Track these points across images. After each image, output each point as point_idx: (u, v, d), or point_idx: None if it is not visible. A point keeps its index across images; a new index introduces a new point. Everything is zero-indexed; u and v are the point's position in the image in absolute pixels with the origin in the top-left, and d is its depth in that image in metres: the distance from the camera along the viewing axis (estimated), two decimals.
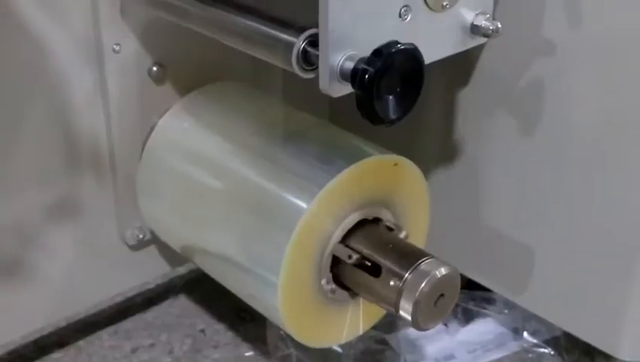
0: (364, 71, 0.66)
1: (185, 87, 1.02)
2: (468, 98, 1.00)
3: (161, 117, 1.00)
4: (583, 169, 0.92)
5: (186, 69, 1.01)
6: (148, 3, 0.91)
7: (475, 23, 0.80)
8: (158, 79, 1.00)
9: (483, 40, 0.81)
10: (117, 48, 0.96)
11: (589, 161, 0.91)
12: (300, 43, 0.73)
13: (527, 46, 0.91)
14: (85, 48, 0.96)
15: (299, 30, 0.74)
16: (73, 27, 0.95)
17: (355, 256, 0.82)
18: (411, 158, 0.89)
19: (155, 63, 1.00)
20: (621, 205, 0.89)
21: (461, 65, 0.97)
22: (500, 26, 0.80)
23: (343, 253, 0.83)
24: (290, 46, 0.73)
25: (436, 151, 1.06)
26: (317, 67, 0.72)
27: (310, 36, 0.73)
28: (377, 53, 0.66)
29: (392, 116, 0.68)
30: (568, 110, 0.91)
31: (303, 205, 0.82)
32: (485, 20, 0.80)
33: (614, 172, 0.89)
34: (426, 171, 0.98)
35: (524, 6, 0.89)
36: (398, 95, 0.68)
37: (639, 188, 0.88)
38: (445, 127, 1.03)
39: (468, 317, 1.15)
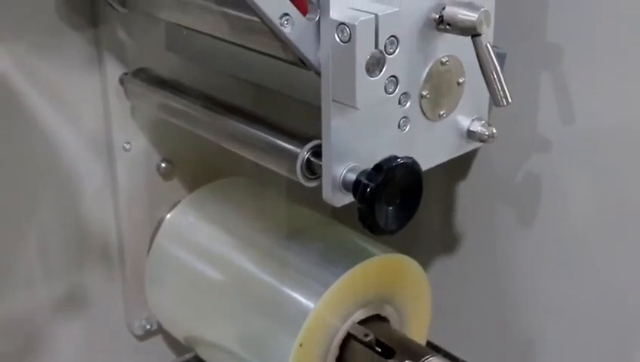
0: (366, 185, 0.69)
1: (192, 183, 1.05)
2: (467, 193, 1.03)
3: (168, 212, 1.03)
4: (581, 259, 0.94)
5: (193, 166, 1.05)
6: (157, 106, 0.95)
7: (471, 129, 0.83)
8: (166, 175, 1.04)
9: (479, 145, 0.84)
10: (127, 146, 1.00)
11: (586, 251, 0.94)
12: (304, 153, 0.76)
13: (523, 143, 0.95)
14: (96, 146, 1.00)
15: (303, 141, 0.77)
16: (85, 126, 0.99)
17: (371, 336, 0.84)
18: (412, 252, 0.92)
19: (164, 160, 1.03)
20: (620, 294, 0.92)
21: (459, 161, 1.00)
22: (495, 131, 0.83)
23: (359, 331, 0.85)
24: (294, 156, 0.76)
25: (436, 244, 1.08)
26: (320, 176, 0.75)
27: (314, 147, 0.76)
28: (378, 168, 0.70)
29: (393, 227, 0.71)
30: (564, 203, 0.94)
31: (310, 304, 0.84)
32: (481, 126, 0.83)
33: (612, 262, 0.91)
34: (427, 264, 1.00)
35: (519, 106, 0.92)
36: (398, 206, 0.71)
37: (636, 278, 0.90)
38: (445, 221, 1.06)
39: None
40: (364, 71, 0.66)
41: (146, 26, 0.96)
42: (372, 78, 0.67)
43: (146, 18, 0.93)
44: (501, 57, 0.87)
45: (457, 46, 0.77)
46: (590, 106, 0.88)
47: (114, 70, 0.97)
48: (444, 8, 0.74)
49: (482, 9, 0.72)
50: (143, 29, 0.96)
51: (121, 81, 0.97)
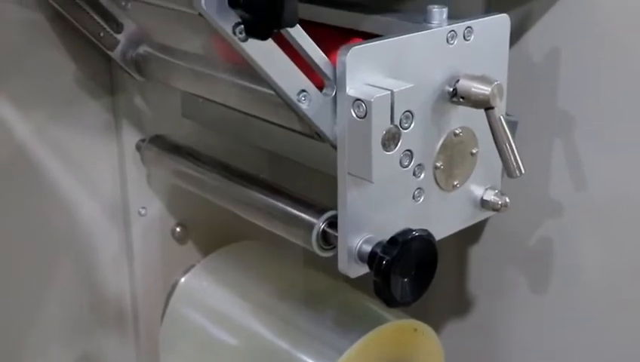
0: (382, 258, 0.70)
1: (206, 247, 1.06)
2: (479, 256, 1.04)
3: (183, 276, 1.03)
4: (594, 323, 0.94)
5: (208, 230, 1.06)
6: (173, 173, 0.96)
7: (484, 198, 0.84)
8: (181, 239, 1.05)
9: (492, 213, 0.85)
10: (142, 211, 1.01)
11: (599, 316, 0.94)
12: (319, 224, 0.77)
13: (535, 208, 0.95)
14: (112, 211, 1.01)
15: (318, 211, 0.78)
16: (101, 191, 1.00)
17: None
18: (425, 315, 0.92)
19: (178, 224, 1.04)
20: (634, 358, 0.91)
21: (472, 225, 1.01)
22: (508, 201, 0.84)
23: None
24: (310, 226, 0.77)
25: (449, 307, 1.08)
26: (335, 246, 0.75)
27: (329, 218, 0.77)
28: (393, 241, 0.70)
29: (408, 299, 0.72)
30: (576, 266, 0.94)
31: None
32: (494, 196, 0.84)
33: (625, 326, 0.91)
34: (440, 327, 1.01)
35: (531, 172, 0.93)
36: (413, 278, 0.72)
37: None
38: (458, 284, 1.06)
39: None
40: (380, 146, 0.68)
41: (163, 94, 0.98)
42: (388, 153, 0.69)
43: (162, 86, 0.95)
44: (513, 125, 0.88)
45: (470, 117, 0.78)
46: (601, 173, 0.89)
47: (131, 137, 0.98)
48: (457, 81, 0.75)
49: (495, 83, 0.73)
50: (159, 97, 0.98)
51: (138, 148, 0.99)
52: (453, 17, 0.76)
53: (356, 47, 0.68)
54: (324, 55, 0.68)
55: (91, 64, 0.95)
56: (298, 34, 0.65)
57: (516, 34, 0.92)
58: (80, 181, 0.98)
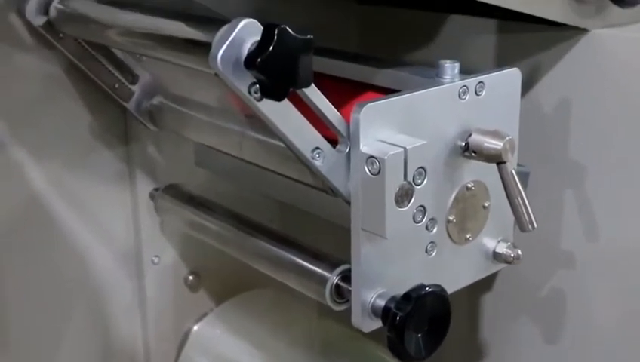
0: (395, 314, 0.70)
1: (219, 294, 1.06)
2: (491, 306, 1.03)
3: (196, 323, 1.04)
4: None
5: (221, 278, 1.06)
6: (186, 223, 0.96)
7: (497, 251, 0.84)
8: (194, 287, 1.05)
9: (505, 266, 0.85)
10: (156, 260, 1.02)
11: None
12: (333, 278, 0.77)
13: (547, 258, 0.95)
14: (125, 259, 1.02)
15: (332, 265, 0.78)
16: (115, 240, 1.01)
17: None
18: None
19: (191, 273, 1.05)
20: None
21: None
22: (520, 253, 0.84)
23: None
24: (323, 280, 0.78)
25: (462, 356, 1.08)
26: (349, 300, 0.75)
27: (343, 271, 0.77)
28: (406, 297, 0.71)
29: (422, 354, 0.72)
30: (589, 316, 0.94)
31: None
32: (507, 248, 0.84)
33: None
34: None
35: (543, 222, 0.93)
36: (426, 334, 0.72)
37: None
38: (470, 333, 1.06)
39: None
40: (394, 203, 0.68)
41: (176, 143, 0.99)
42: (401, 209, 0.69)
43: (176, 136, 0.96)
44: (524, 175, 0.88)
45: (482, 170, 0.79)
46: (613, 223, 0.89)
47: (144, 186, 0.99)
48: (469, 135, 0.76)
49: (507, 138, 0.74)
50: (172, 146, 0.99)
51: (152, 197, 0.99)
52: (464, 71, 0.77)
53: (369, 104, 0.68)
54: (337, 112, 0.69)
55: (106, 114, 0.96)
56: (312, 93, 0.66)
57: (527, 84, 0.93)
58: (94, 230, 0.99)
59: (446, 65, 0.76)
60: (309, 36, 0.61)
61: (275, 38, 0.59)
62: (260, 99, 0.63)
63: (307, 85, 0.63)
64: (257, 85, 0.62)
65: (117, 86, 0.92)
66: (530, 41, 0.93)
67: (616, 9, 0.89)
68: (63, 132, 0.94)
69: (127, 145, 0.98)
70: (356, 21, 1.12)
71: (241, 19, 0.62)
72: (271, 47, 0.59)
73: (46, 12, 0.88)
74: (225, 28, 0.62)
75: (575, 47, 0.90)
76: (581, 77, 0.89)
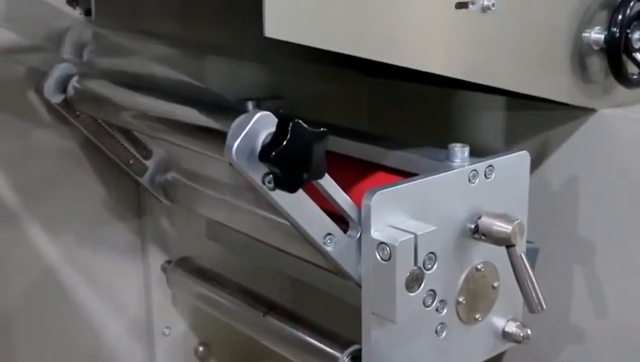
0: None
1: None
2: None
3: None
4: None
5: (230, 349, 1.07)
6: (197, 297, 0.97)
7: (506, 330, 0.84)
8: (204, 358, 1.06)
9: (514, 345, 0.86)
10: (166, 331, 1.02)
11: None
12: (343, 358, 0.78)
13: (557, 334, 0.96)
14: (137, 331, 1.02)
15: (342, 345, 0.79)
16: (127, 311, 1.02)
17: None
18: None
19: (201, 344, 1.05)
20: None
21: None
22: (530, 332, 0.84)
23: None
24: (333, 360, 0.78)
25: None
26: None
27: (353, 352, 0.78)
28: None
29: None
30: None
31: None
32: (516, 327, 0.84)
33: None
34: None
35: (552, 298, 0.94)
36: None
37: None
38: None
39: None
40: (404, 288, 0.69)
41: (188, 217, 1.00)
42: (411, 294, 0.70)
43: (188, 210, 0.97)
44: (533, 252, 0.89)
45: (491, 251, 0.79)
46: (622, 299, 0.90)
47: (156, 258, 1.00)
48: (479, 218, 0.77)
49: (516, 221, 0.75)
50: (185, 220, 1.00)
51: (164, 269, 1.00)
52: (473, 147, 0.78)
53: (381, 191, 0.70)
54: (349, 199, 0.70)
55: (120, 188, 0.98)
56: (325, 182, 0.67)
57: (536, 161, 0.94)
58: (106, 301, 1.00)
59: (456, 148, 0.77)
60: (322, 129, 0.62)
61: (289, 132, 0.61)
62: (273, 189, 0.64)
63: (320, 177, 0.64)
64: (271, 175, 0.64)
65: (132, 162, 0.94)
66: (539, 119, 0.94)
67: (622, 89, 0.91)
68: (77, 205, 0.96)
69: (140, 218, 0.99)
70: (365, 93, 1.14)
71: (256, 112, 0.64)
72: (285, 142, 0.60)
73: (64, 90, 0.89)
74: (240, 119, 0.64)
75: (583, 126, 0.91)
76: (589, 155, 0.91)
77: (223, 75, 1.03)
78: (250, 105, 1.02)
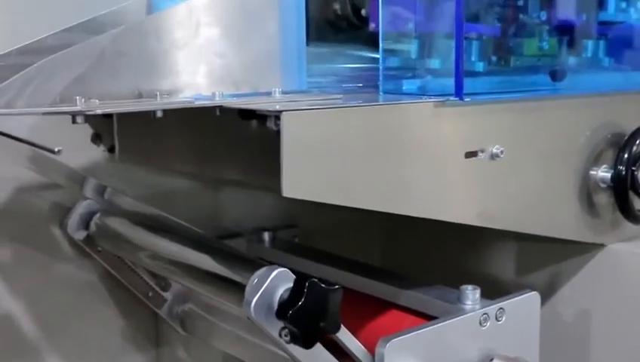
0: None
1: None
2: None
3: None
4: None
5: None
6: None
7: None
8: None
9: None
10: None
11: None
12: None
13: None
14: None
15: None
16: None
17: None
18: None
19: None
20: None
21: None
22: None
23: None
24: None
25: None
26: None
27: None
28: None
29: None
30: None
31: None
32: None
33: None
34: None
35: None
36: None
37: None
38: None
39: None
40: None
41: (205, 347, 1.01)
42: None
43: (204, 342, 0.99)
44: None
45: None
46: None
47: None
48: (491, 360, 0.78)
49: None
50: (201, 350, 1.01)
51: None
52: (483, 287, 0.80)
53: (394, 339, 0.71)
54: (363, 348, 0.71)
55: (138, 318, 1.00)
56: (341, 334, 0.69)
57: (546, 294, 0.96)
58: None
59: (467, 291, 0.79)
60: (336, 286, 0.64)
61: (306, 291, 0.63)
62: (289, 342, 0.66)
63: (336, 331, 0.66)
64: (287, 329, 0.65)
65: (151, 294, 0.96)
66: (549, 253, 0.96)
67: (630, 224, 0.93)
68: (95, 336, 0.97)
69: (158, 348, 1.01)
70: (377, 220, 1.16)
71: (274, 269, 0.66)
72: (301, 302, 0.63)
73: (86, 227, 0.92)
74: (259, 274, 0.66)
75: (592, 261, 0.93)
76: (599, 288, 0.92)
77: (239, 206, 1.06)
78: (266, 235, 1.05)
